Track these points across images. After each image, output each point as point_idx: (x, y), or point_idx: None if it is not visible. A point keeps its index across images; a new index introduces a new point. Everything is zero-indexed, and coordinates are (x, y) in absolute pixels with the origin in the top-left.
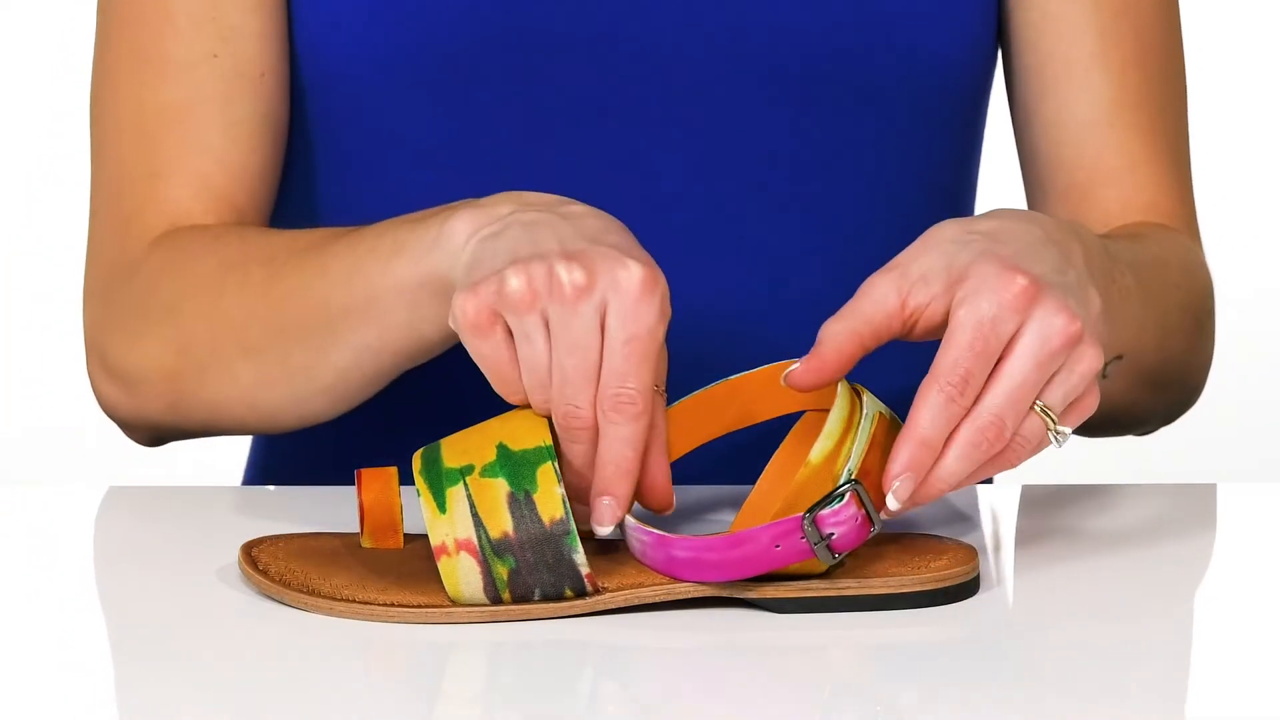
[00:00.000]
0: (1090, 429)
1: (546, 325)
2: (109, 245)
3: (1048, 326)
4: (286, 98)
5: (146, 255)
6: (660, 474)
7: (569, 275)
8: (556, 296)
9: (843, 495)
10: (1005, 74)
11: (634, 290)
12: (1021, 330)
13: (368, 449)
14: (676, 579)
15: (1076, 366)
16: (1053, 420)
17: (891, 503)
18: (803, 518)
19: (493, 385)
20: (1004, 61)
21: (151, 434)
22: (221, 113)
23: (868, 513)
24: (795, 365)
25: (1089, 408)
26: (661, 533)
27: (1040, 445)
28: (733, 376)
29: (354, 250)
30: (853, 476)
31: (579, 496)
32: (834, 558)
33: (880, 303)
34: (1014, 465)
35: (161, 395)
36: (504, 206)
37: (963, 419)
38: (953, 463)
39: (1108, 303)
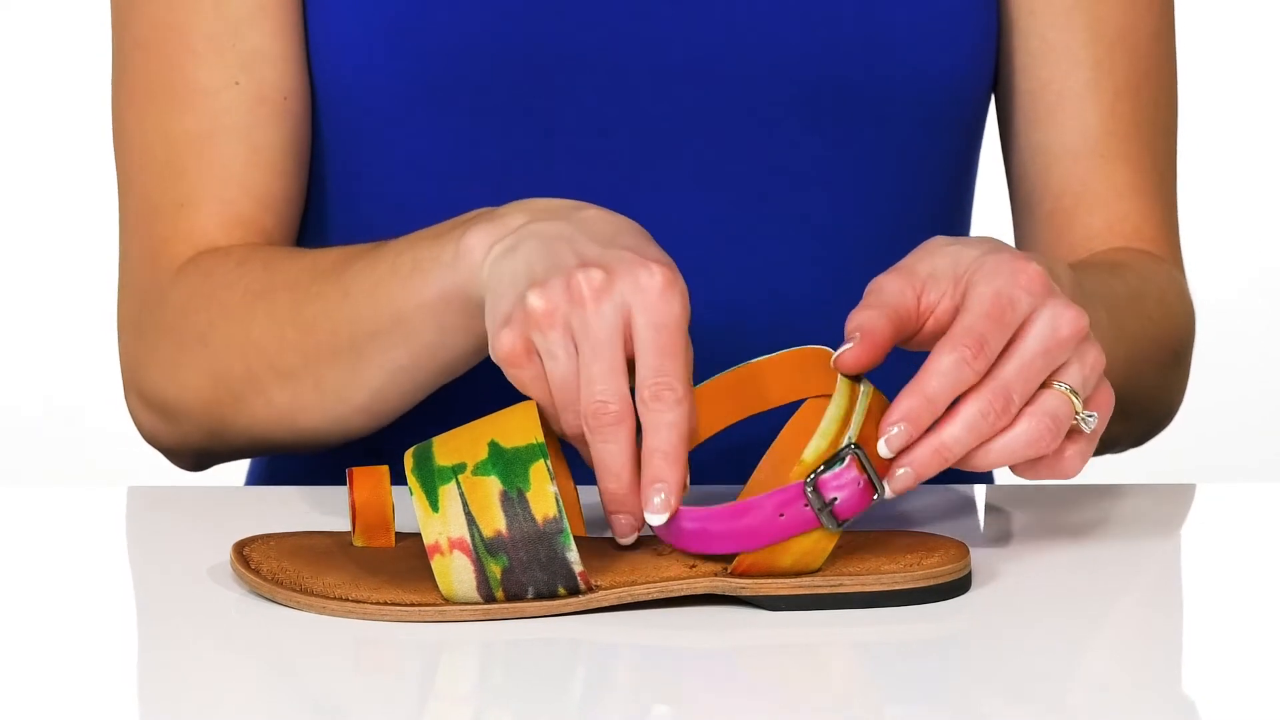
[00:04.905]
0: None
1: (574, 339)
2: (140, 276)
3: (1058, 316)
4: (308, 120)
5: (174, 284)
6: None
7: (587, 281)
8: (577, 303)
9: (843, 458)
10: (996, 95)
11: (656, 287)
12: (1034, 315)
13: (372, 448)
14: (685, 550)
15: (1085, 359)
16: (1077, 399)
17: (882, 448)
18: (804, 483)
19: (545, 414)
20: (996, 83)
21: (195, 459)
22: (245, 140)
23: (870, 478)
24: (845, 349)
25: (1107, 403)
26: None
27: (1067, 423)
28: (746, 362)
29: (374, 271)
30: (853, 442)
31: (610, 507)
32: (838, 525)
33: (899, 296)
34: (1049, 448)
35: (201, 424)
36: (517, 217)
37: (971, 389)
38: (958, 429)
39: None
